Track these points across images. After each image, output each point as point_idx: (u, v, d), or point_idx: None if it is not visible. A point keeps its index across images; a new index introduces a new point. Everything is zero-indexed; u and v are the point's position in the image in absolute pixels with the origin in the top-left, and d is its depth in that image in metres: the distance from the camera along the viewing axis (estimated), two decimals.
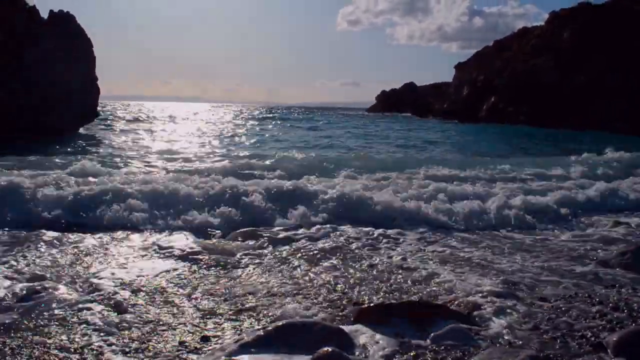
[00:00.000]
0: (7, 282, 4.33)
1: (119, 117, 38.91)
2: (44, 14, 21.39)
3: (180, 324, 3.69)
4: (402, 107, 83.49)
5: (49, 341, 3.33)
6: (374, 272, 4.98)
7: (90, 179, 8.60)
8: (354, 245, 5.99)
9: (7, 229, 6.15)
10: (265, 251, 5.71)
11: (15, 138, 16.43)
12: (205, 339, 3.45)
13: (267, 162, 12.57)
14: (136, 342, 3.38)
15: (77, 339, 3.38)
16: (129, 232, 6.36)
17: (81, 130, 23.44)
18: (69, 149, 15.77)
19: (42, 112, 18.73)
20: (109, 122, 32.59)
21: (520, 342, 3.46)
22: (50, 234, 5.96)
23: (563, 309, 4.03)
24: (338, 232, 6.57)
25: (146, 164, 12.93)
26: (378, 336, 3.48)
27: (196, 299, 4.20)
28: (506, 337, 3.54)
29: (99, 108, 26.14)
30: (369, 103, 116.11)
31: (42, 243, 5.61)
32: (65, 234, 6.05)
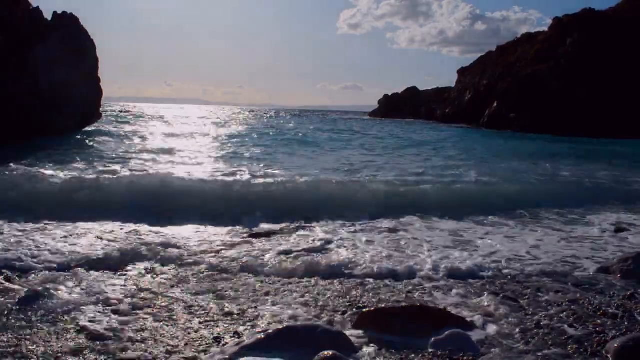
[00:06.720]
0: None
1: (120, 120, 38.34)
2: (47, 15, 21.38)
3: None
4: (404, 112, 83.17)
5: None
6: None
7: None
8: None
9: None
10: None
11: (12, 138, 15.98)
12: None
13: None
14: None
15: None
16: None
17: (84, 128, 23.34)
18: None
19: (44, 113, 18.73)
20: (110, 123, 32.16)
21: (521, 348, 3.45)
22: None
23: (564, 315, 4.03)
24: None
25: None
26: (379, 340, 3.48)
27: None
28: (507, 343, 3.54)
29: (101, 109, 26.13)
30: (370, 106, 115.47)
31: None
32: None
